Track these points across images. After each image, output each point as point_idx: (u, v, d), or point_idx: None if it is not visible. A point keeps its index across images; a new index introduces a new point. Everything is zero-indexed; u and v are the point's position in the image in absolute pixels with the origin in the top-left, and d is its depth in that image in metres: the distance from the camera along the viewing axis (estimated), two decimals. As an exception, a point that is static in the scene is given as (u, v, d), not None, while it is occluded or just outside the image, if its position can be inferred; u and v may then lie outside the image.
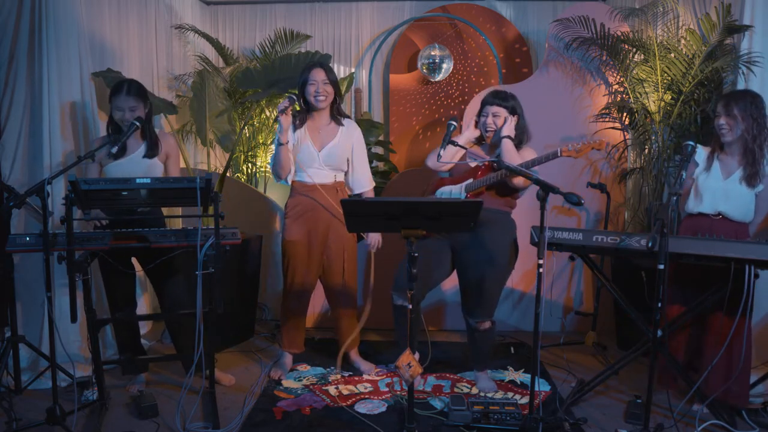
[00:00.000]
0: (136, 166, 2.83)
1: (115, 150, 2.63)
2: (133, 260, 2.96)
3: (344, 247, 3.08)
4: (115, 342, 3.28)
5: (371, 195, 3.17)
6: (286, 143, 2.91)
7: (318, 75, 2.92)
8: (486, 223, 2.72)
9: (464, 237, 2.81)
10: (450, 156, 2.84)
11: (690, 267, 2.65)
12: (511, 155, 2.70)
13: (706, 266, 2.57)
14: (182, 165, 3.92)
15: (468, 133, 2.90)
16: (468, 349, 3.02)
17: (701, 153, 2.77)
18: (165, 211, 3.15)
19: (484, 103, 2.86)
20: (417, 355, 3.05)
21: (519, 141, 2.82)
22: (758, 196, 2.65)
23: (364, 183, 3.13)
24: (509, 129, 2.77)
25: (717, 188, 2.67)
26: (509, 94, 2.85)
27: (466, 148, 2.75)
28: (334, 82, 2.98)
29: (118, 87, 2.77)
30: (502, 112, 2.80)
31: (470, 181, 2.81)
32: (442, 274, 2.94)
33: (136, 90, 2.78)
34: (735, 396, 2.61)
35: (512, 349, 3.57)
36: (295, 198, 3.05)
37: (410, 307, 2.21)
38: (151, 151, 2.86)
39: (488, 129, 2.82)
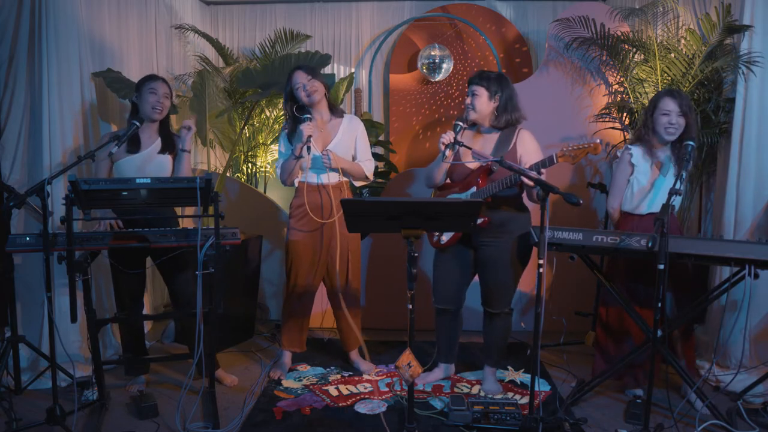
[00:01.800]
0: (149, 161, 2.85)
1: (115, 150, 2.65)
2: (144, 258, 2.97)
3: (348, 247, 3.07)
4: (115, 342, 3.28)
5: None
6: (303, 158, 2.91)
7: (300, 77, 2.96)
8: (502, 221, 2.75)
9: (482, 236, 2.80)
10: (456, 156, 2.83)
11: (639, 263, 2.74)
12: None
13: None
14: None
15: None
16: (483, 341, 3.01)
17: (637, 155, 2.80)
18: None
19: (468, 83, 2.82)
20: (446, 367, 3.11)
21: (507, 122, 2.77)
22: None
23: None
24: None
25: (663, 186, 2.72)
26: (494, 76, 2.78)
27: (470, 148, 2.73)
28: (319, 77, 2.99)
29: (152, 76, 2.91)
30: (482, 91, 2.75)
31: (473, 190, 2.79)
32: (471, 276, 2.96)
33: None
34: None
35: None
36: (300, 198, 3.05)
37: (410, 307, 2.21)
38: (167, 147, 2.89)
39: (468, 107, 2.79)
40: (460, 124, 2.73)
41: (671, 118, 2.69)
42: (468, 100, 2.78)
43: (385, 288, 3.85)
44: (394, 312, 3.65)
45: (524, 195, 2.83)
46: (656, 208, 2.73)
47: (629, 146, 2.86)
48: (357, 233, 3.12)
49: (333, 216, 3.01)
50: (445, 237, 2.86)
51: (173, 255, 2.78)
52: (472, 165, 2.79)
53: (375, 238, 3.91)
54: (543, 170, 2.53)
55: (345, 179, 3.09)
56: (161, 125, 2.93)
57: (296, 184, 3.07)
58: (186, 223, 3.64)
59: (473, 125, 2.86)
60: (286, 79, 3.03)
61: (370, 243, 3.90)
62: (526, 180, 2.52)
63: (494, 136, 2.82)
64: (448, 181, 2.93)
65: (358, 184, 3.19)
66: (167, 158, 2.90)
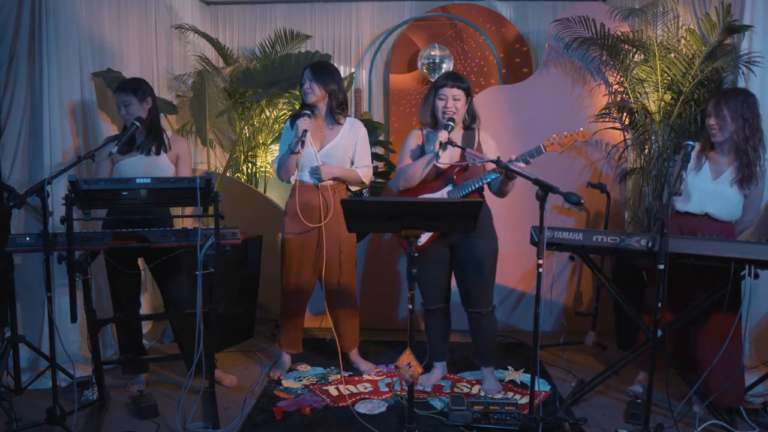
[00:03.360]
0: (147, 161, 2.84)
1: (115, 150, 2.64)
2: (139, 260, 2.96)
3: (339, 247, 3.06)
4: (115, 342, 3.28)
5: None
6: (298, 153, 2.91)
7: (305, 75, 2.97)
8: None
9: (455, 235, 2.81)
10: (448, 157, 2.83)
11: (681, 268, 2.66)
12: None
13: (697, 267, 2.57)
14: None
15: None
16: (473, 343, 3.01)
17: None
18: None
19: (439, 87, 2.78)
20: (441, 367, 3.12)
21: (473, 123, 2.85)
22: (747, 196, 2.65)
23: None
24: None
25: (706, 189, 2.67)
26: (462, 76, 2.83)
27: (464, 148, 2.73)
28: (322, 81, 2.94)
29: (118, 86, 2.84)
30: (461, 94, 2.76)
31: (449, 188, 2.79)
32: (450, 275, 2.97)
33: (130, 84, 2.82)
34: (731, 395, 2.62)
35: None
36: (294, 197, 3.05)
37: (411, 306, 2.21)
38: (157, 147, 2.87)
39: (448, 114, 2.76)
40: (451, 124, 2.73)
41: (709, 120, 2.66)
42: (449, 104, 2.75)
43: (382, 288, 3.84)
44: (392, 312, 3.65)
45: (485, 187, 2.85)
46: (692, 208, 2.71)
47: (687, 141, 2.83)
48: (351, 234, 3.11)
49: (324, 218, 2.99)
50: (423, 238, 2.85)
51: (166, 258, 2.76)
52: (444, 166, 2.79)
53: (371, 239, 3.90)
54: (530, 160, 2.54)
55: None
56: (149, 126, 2.87)
57: (292, 182, 3.07)
58: (185, 223, 3.64)
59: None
60: (286, 79, 3.03)
61: (366, 244, 3.89)
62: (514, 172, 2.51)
63: (459, 137, 2.86)
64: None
65: (353, 188, 3.18)
66: (164, 160, 2.88)
